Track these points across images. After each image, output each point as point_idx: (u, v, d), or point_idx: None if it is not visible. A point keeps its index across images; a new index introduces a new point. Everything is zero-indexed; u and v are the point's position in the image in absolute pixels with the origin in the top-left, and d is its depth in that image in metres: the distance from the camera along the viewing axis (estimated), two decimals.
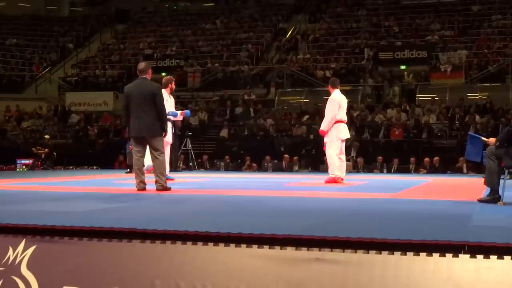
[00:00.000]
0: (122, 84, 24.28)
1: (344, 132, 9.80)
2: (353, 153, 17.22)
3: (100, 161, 18.46)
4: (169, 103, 9.61)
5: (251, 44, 25.73)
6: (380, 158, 16.67)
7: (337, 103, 9.69)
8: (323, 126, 9.80)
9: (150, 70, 7.99)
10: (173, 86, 9.98)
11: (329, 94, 10.08)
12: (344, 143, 10.02)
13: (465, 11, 25.19)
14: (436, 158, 15.97)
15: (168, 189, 7.75)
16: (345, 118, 9.87)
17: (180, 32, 28.25)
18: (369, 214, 5.30)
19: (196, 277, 3.63)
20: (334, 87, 9.98)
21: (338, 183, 9.60)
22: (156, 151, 7.67)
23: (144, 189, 7.72)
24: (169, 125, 9.18)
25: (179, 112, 10.52)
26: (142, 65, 8.01)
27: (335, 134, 9.70)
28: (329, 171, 9.87)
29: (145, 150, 7.83)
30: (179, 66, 24.67)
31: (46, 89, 25.43)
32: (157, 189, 7.67)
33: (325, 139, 9.83)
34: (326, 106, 9.88)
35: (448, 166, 15.98)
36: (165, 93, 9.00)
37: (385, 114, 19.02)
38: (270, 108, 21.20)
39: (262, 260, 3.60)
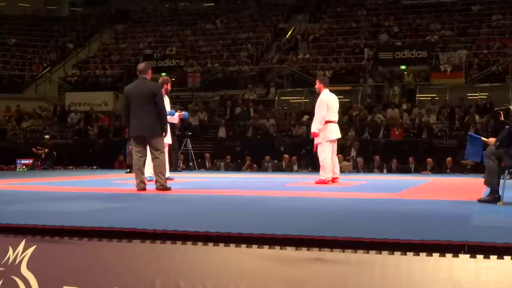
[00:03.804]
0: (122, 84, 24.27)
1: (333, 132, 9.72)
2: (353, 153, 17.24)
3: (100, 161, 18.48)
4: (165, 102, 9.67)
5: (251, 44, 25.72)
6: (377, 158, 16.66)
7: (325, 104, 9.62)
8: (314, 128, 9.76)
9: (150, 70, 8.04)
10: (169, 87, 10.01)
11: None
12: (335, 143, 9.97)
13: (465, 11, 25.19)
14: (448, 159, 15.97)
15: (168, 189, 7.78)
16: (334, 118, 9.77)
17: (180, 32, 28.25)
18: (369, 214, 5.29)
19: (196, 277, 3.63)
20: (326, 86, 9.90)
21: (328, 184, 9.59)
22: (157, 150, 7.72)
23: (144, 189, 7.75)
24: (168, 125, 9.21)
25: (177, 114, 10.54)
26: (142, 65, 8.06)
27: (324, 135, 9.64)
28: (320, 173, 9.83)
29: (145, 150, 7.86)
30: (179, 66, 24.66)
31: (46, 89, 25.42)
32: (157, 189, 7.70)
33: (315, 141, 9.81)
34: (315, 108, 9.84)
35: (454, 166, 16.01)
36: None
37: (385, 114, 19.03)
38: (270, 108, 21.20)
39: (262, 260, 3.60)
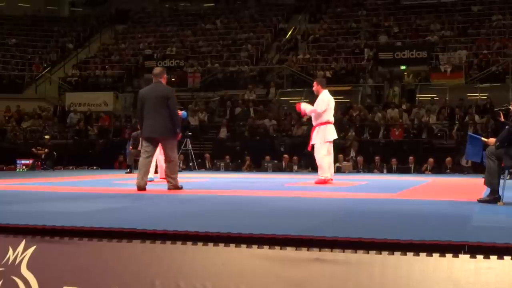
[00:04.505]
0: (122, 84, 24.31)
1: (331, 133, 9.83)
2: (353, 153, 17.24)
3: (100, 161, 18.49)
4: None
5: (251, 44, 25.72)
6: (377, 158, 16.67)
7: (326, 103, 9.75)
8: (304, 108, 10.00)
9: (164, 74, 8.27)
10: None
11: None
12: (331, 144, 10.04)
13: (465, 11, 25.19)
14: (448, 159, 16.00)
15: (180, 188, 8.00)
16: (332, 119, 9.92)
17: (180, 32, 28.25)
18: (369, 214, 5.29)
19: (196, 277, 3.63)
20: (323, 87, 10.02)
21: (328, 184, 9.65)
22: (170, 152, 7.90)
23: (144, 189, 7.79)
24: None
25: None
26: (158, 69, 8.33)
27: (323, 136, 9.74)
28: (319, 173, 9.89)
29: (154, 151, 8.05)
30: (179, 66, 24.65)
31: (46, 89, 25.41)
32: (169, 188, 7.92)
33: (312, 142, 9.88)
34: (316, 103, 9.91)
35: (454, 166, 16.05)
36: None
37: (385, 114, 19.02)
38: (270, 108, 21.19)
39: (262, 260, 3.60)
